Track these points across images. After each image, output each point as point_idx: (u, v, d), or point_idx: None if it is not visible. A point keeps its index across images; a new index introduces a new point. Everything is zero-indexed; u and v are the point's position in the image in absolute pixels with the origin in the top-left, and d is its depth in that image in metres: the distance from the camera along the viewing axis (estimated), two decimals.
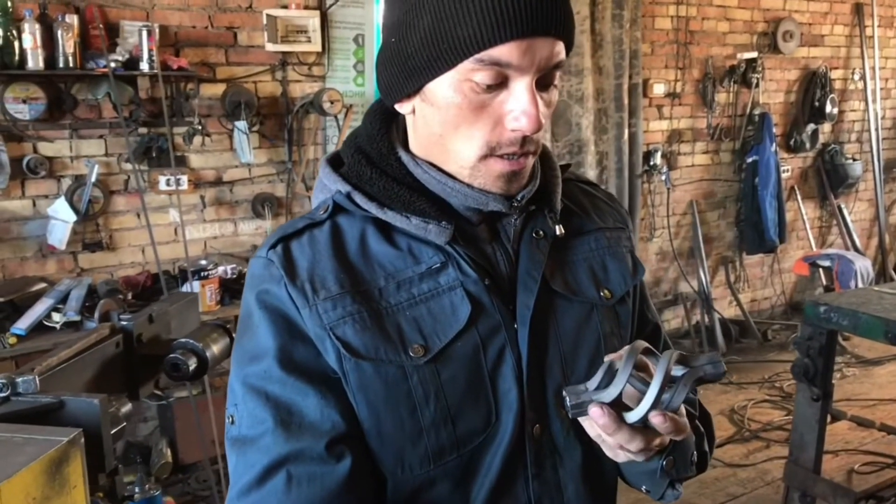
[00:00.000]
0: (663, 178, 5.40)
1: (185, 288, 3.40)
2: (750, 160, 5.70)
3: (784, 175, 5.91)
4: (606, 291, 1.02)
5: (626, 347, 0.80)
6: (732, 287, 5.94)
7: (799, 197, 6.18)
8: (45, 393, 1.34)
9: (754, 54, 5.63)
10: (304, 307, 0.90)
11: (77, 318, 3.12)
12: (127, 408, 1.45)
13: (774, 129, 5.73)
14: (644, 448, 0.82)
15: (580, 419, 0.83)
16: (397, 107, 0.95)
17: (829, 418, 4.16)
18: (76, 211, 3.49)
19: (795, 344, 2.86)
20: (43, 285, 3.39)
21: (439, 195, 0.94)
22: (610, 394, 0.78)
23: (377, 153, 0.96)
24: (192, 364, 1.67)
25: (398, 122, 1.00)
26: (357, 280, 0.92)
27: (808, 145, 6.08)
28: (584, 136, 4.99)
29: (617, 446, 0.83)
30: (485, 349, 0.92)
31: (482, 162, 0.90)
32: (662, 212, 5.53)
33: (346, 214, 0.96)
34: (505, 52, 0.83)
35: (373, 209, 0.94)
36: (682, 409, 0.84)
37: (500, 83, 0.86)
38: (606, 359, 0.84)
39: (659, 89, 5.34)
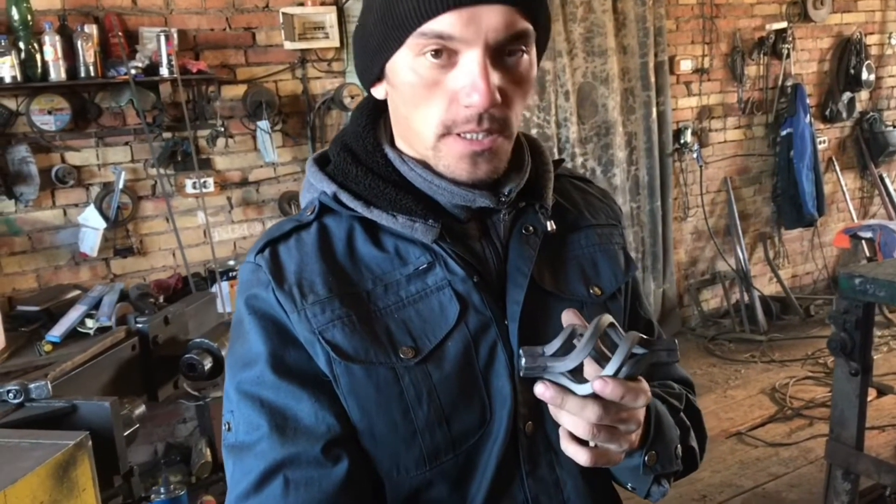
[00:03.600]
0: (695, 155, 5.30)
1: (214, 289, 3.43)
2: (784, 133, 5.57)
3: (821, 146, 5.77)
4: (596, 289, 1.00)
5: (594, 320, 0.77)
6: (772, 263, 5.82)
7: (837, 168, 6.02)
8: (58, 398, 1.36)
9: (784, 24, 5.49)
10: (292, 312, 0.89)
11: (110, 323, 3.16)
12: (140, 410, 1.47)
13: (808, 100, 5.59)
14: (602, 416, 0.76)
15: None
16: (372, 91, 0.95)
17: (874, 393, 4.08)
18: (106, 218, 3.55)
19: (831, 318, 2.79)
20: (77, 292, 3.45)
21: (426, 193, 0.93)
22: (566, 365, 0.76)
23: (363, 150, 0.95)
24: (208, 364, 1.69)
25: (386, 118, 0.98)
26: (345, 283, 0.91)
27: (844, 114, 5.92)
28: (611, 117, 4.92)
29: (579, 422, 0.78)
30: (476, 347, 0.90)
31: (441, 142, 0.88)
32: (696, 190, 5.44)
33: (333, 215, 0.95)
34: (446, 23, 0.81)
35: (359, 208, 0.92)
36: (661, 407, 0.82)
37: (452, 59, 0.84)
38: (566, 320, 0.81)
39: (686, 66, 5.24)
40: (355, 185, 0.94)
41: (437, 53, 0.83)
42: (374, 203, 0.92)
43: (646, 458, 0.87)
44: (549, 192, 0.99)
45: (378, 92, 0.94)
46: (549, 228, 0.96)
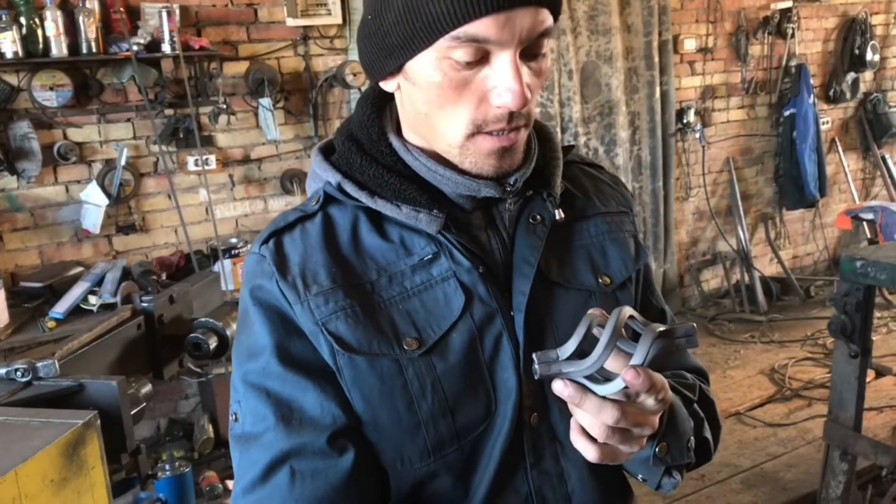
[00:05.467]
0: (697, 135, 5.29)
1: (217, 266, 3.44)
2: (787, 113, 5.56)
3: (824, 127, 5.76)
4: (605, 278, 0.99)
5: (613, 314, 0.75)
6: (773, 244, 5.82)
7: (840, 149, 6.01)
8: (65, 376, 1.37)
9: (789, 3, 5.46)
10: (296, 303, 0.89)
11: (113, 300, 3.18)
12: (147, 388, 1.48)
13: (812, 81, 5.57)
14: (619, 418, 0.76)
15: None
16: (382, 84, 0.93)
17: (872, 374, 4.09)
18: (108, 195, 3.55)
19: (832, 300, 2.80)
20: (79, 269, 3.46)
21: (431, 182, 0.92)
22: (583, 371, 0.75)
23: (368, 139, 0.94)
24: (213, 343, 1.70)
25: (391, 107, 0.97)
26: (349, 273, 0.90)
27: (848, 95, 5.90)
28: (615, 96, 4.90)
29: (595, 422, 0.78)
30: (481, 338, 0.90)
31: (470, 140, 0.87)
32: (698, 170, 5.43)
33: (338, 205, 0.95)
34: (482, 27, 0.79)
35: (363, 198, 0.92)
36: (675, 398, 0.81)
37: (481, 59, 0.82)
38: (587, 316, 0.78)
39: (690, 45, 5.22)
40: (360, 175, 0.93)
41: (468, 55, 0.82)
42: (379, 193, 0.92)
43: (656, 450, 0.86)
44: (556, 180, 0.97)
45: (389, 86, 0.92)
46: (556, 217, 0.95)
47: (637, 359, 0.73)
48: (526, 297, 0.91)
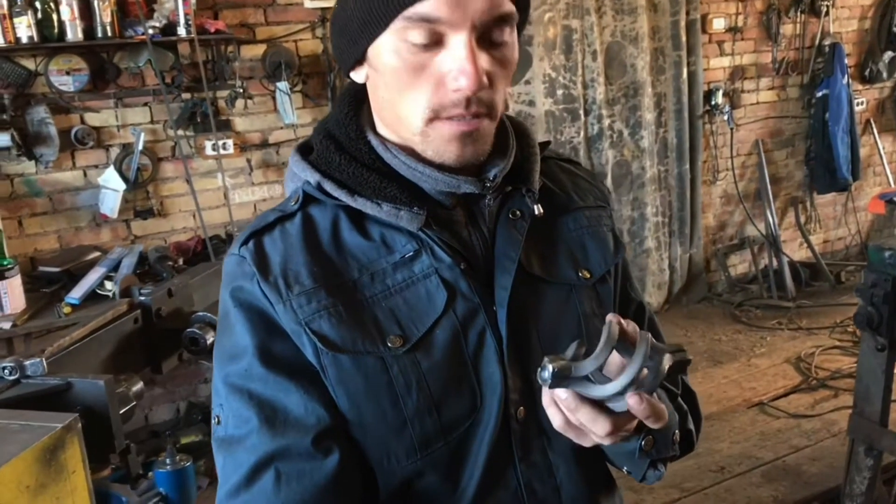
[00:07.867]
0: (726, 117, 5.17)
1: None
2: (819, 94, 5.40)
3: (858, 108, 5.59)
4: (585, 272, 1.00)
5: (639, 347, 0.74)
6: (803, 228, 5.69)
7: (875, 131, 5.83)
8: (53, 375, 1.35)
9: None
10: (277, 303, 0.88)
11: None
12: (138, 386, 1.46)
13: (846, 60, 5.40)
14: (611, 432, 0.77)
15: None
16: (353, 75, 0.94)
17: None
18: (125, 179, 3.55)
19: (858, 291, 2.71)
20: (97, 254, 3.47)
21: (411, 180, 0.92)
22: (596, 394, 0.76)
23: (346, 137, 0.94)
24: (210, 338, 1.68)
25: (369, 106, 0.97)
26: (331, 273, 0.90)
27: (885, 75, 5.72)
28: (640, 77, 4.79)
29: (581, 428, 0.79)
30: (465, 334, 0.90)
31: (429, 126, 0.86)
32: (726, 153, 5.31)
33: (318, 204, 0.95)
34: (432, 6, 0.80)
35: (343, 197, 0.92)
36: (661, 394, 0.81)
37: (438, 42, 0.83)
38: (609, 338, 0.76)
39: (719, 24, 5.08)
40: (339, 174, 0.93)
41: (422, 37, 0.82)
42: (359, 191, 0.91)
43: (642, 443, 0.86)
44: (535, 176, 0.98)
45: (358, 76, 0.93)
46: (536, 212, 0.96)
47: (648, 388, 0.75)
48: (508, 292, 0.91)
